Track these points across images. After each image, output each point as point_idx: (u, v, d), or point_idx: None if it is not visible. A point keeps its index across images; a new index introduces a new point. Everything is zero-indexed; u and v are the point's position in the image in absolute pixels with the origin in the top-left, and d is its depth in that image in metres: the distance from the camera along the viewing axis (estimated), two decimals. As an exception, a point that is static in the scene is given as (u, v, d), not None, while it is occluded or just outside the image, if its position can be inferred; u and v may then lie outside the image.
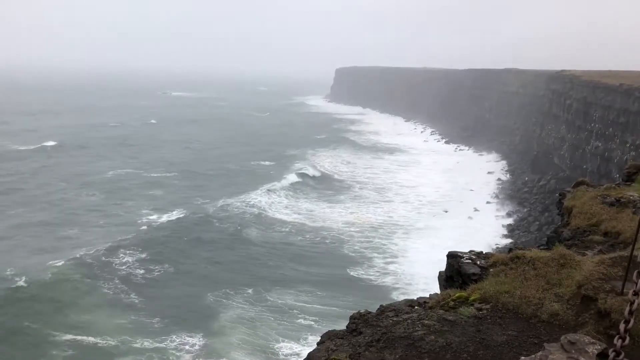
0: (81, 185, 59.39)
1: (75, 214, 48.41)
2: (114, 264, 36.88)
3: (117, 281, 34.50)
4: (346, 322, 7.88)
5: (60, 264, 35.72)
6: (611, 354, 3.44)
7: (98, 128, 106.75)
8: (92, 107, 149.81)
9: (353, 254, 42.63)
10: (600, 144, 52.14)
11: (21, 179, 60.77)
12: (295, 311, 31.82)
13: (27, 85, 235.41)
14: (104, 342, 27.30)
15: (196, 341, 27.82)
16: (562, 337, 4.39)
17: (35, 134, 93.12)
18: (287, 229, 48.08)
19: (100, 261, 36.91)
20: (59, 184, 59.14)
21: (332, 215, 52.80)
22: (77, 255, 37.32)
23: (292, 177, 66.97)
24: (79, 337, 27.59)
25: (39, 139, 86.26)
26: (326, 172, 73.99)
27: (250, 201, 54.74)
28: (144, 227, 45.06)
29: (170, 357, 26.32)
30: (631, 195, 12.76)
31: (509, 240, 45.57)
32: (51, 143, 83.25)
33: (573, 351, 4.19)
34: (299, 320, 30.70)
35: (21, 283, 32.66)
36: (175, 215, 48.98)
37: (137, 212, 50.15)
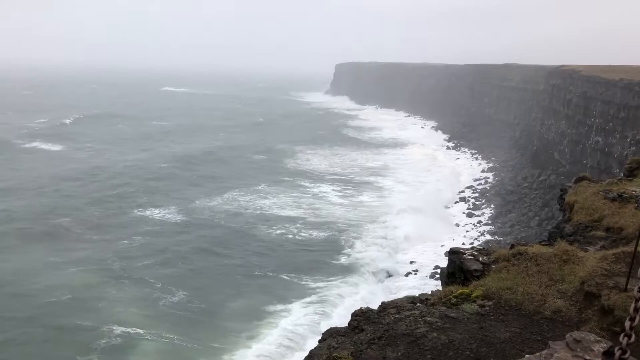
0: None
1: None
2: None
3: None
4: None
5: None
6: (617, 352, 3.40)
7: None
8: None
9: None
10: (600, 139, 52.06)
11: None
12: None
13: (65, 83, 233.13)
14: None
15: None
16: (568, 335, 4.36)
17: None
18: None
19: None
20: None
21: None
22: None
23: (284, 176, 67.09)
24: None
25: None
26: (321, 169, 73.70)
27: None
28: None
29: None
30: (633, 191, 12.73)
31: (508, 236, 45.51)
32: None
33: (579, 349, 4.15)
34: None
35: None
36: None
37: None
